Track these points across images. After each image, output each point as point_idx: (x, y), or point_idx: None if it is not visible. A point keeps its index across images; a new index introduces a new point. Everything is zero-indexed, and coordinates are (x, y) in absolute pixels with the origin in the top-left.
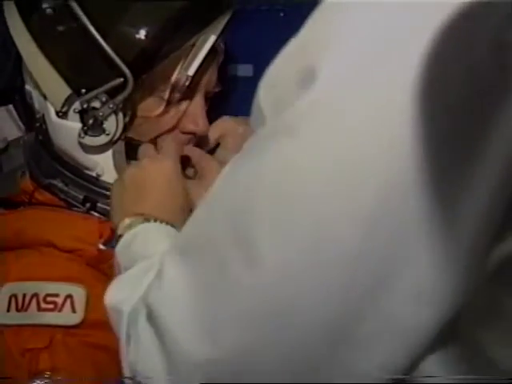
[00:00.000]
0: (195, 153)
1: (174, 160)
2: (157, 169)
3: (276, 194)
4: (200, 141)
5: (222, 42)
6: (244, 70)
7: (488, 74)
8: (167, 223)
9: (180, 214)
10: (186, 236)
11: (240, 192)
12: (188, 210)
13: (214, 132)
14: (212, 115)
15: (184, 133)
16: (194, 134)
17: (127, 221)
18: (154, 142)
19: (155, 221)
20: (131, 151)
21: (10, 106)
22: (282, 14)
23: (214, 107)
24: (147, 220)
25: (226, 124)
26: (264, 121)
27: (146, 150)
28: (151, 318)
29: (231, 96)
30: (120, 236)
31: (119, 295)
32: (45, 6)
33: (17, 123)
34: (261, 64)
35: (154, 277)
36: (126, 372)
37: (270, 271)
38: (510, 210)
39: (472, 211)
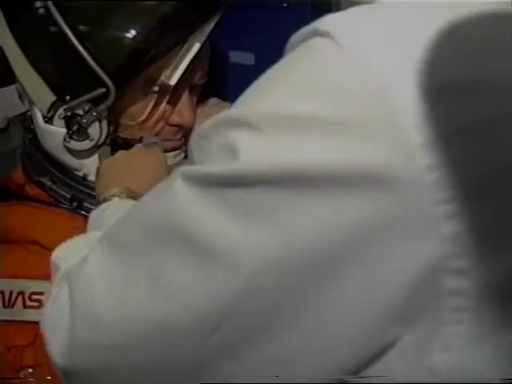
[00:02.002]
0: None
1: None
2: (148, 155)
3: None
4: (188, 132)
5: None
6: (246, 58)
7: None
8: None
9: None
10: (115, 231)
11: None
12: None
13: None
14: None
15: (171, 125)
16: (180, 126)
17: (114, 189)
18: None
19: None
20: (118, 150)
21: (15, 86)
22: (285, 5)
23: (213, 95)
24: (131, 196)
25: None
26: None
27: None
28: (70, 289)
29: (231, 84)
30: (104, 200)
31: (63, 253)
32: (28, 12)
33: (21, 100)
34: (262, 53)
35: (82, 257)
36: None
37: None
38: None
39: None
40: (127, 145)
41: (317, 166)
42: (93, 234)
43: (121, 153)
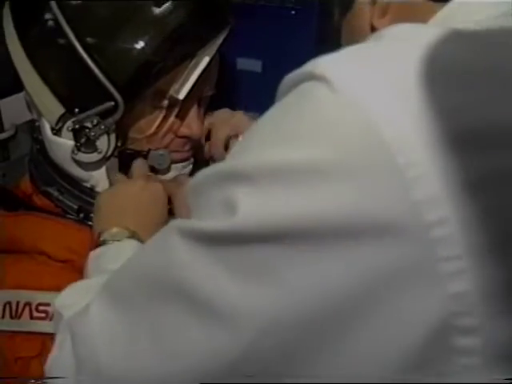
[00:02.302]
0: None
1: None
2: (147, 190)
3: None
4: (196, 143)
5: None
6: (253, 65)
7: None
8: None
9: None
10: (116, 283)
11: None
12: None
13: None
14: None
15: (179, 137)
16: (189, 138)
17: (114, 230)
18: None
19: (136, 238)
20: (126, 162)
21: (23, 94)
22: (292, 12)
23: (221, 102)
24: (131, 236)
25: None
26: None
27: (138, 166)
28: (73, 342)
29: (239, 91)
30: (104, 242)
31: (66, 300)
32: (38, 24)
33: (29, 110)
34: (270, 60)
35: (84, 307)
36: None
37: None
38: None
39: None
40: (135, 157)
41: (317, 219)
42: (95, 281)
43: (119, 185)
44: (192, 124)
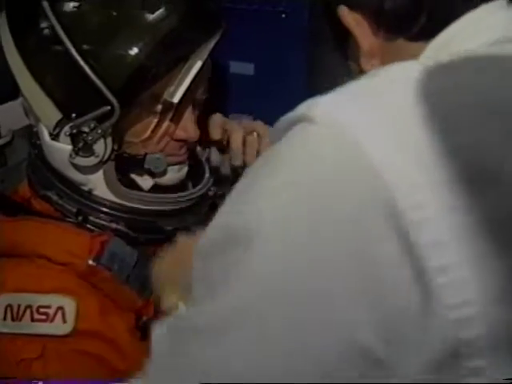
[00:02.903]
0: None
1: None
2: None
3: None
4: (191, 146)
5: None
6: (246, 68)
7: None
8: None
9: None
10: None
11: None
12: None
13: (217, 132)
14: (212, 113)
15: (175, 140)
16: (185, 141)
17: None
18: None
19: None
20: (123, 165)
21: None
22: (283, 16)
23: (213, 105)
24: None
25: (228, 125)
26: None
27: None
28: None
29: (231, 94)
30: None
31: None
32: (34, 31)
33: (27, 116)
34: (262, 63)
35: None
36: None
37: None
38: None
39: None
40: (132, 161)
41: None
42: None
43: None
44: (188, 127)
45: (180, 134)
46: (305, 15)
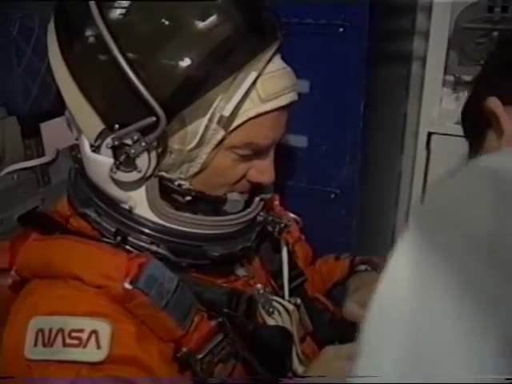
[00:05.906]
0: None
1: None
2: None
3: None
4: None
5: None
6: (301, 85)
7: None
8: None
9: None
10: None
11: None
12: None
13: None
14: None
15: (250, 182)
16: (259, 183)
17: None
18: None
19: None
20: (197, 203)
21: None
22: (341, 30)
23: None
24: None
25: None
26: None
27: None
28: None
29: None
30: None
31: None
32: (80, 38)
33: (69, 128)
34: (318, 80)
35: None
36: None
37: None
38: None
39: None
40: (213, 202)
41: None
42: None
43: None
44: (266, 172)
45: (257, 177)
46: (364, 29)
